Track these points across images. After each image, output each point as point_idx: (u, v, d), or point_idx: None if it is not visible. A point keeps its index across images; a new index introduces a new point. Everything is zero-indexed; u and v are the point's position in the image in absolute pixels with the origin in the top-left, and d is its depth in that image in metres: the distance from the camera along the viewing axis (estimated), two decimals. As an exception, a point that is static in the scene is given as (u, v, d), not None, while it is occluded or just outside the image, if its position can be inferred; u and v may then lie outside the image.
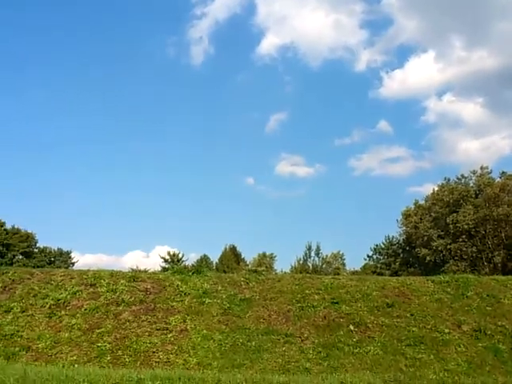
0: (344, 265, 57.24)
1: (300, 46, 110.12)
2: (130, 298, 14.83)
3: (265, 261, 55.32)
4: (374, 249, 56.38)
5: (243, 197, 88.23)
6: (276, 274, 25.79)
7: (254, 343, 13.07)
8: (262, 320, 14.22)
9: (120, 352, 12.76)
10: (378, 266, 53.96)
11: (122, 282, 15.57)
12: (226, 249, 56.74)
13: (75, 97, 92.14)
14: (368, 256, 56.65)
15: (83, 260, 59.53)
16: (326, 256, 56.70)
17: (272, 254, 57.84)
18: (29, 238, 53.80)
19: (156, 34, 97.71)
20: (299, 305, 14.89)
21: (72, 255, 57.61)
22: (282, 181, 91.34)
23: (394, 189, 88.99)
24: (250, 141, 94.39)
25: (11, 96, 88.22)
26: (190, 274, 16.76)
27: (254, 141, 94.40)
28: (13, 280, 15.64)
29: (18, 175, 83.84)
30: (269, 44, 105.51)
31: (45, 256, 54.55)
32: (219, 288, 15.65)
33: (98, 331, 13.48)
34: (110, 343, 13.03)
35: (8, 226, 52.50)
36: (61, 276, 16.01)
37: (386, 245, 55.39)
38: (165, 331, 13.59)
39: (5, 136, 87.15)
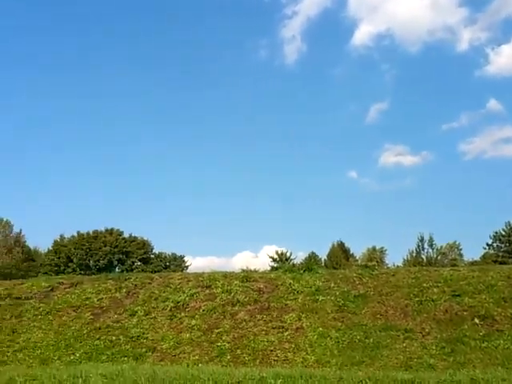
0: (461, 255, 54.58)
1: (396, 33, 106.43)
2: (245, 297, 15.08)
3: (375, 255, 54.12)
4: (494, 236, 53.19)
5: (346, 191, 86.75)
6: (388, 268, 25.05)
7: (371, 340, 12.76)
8: (378, 316, 13.84)
9: (239, 351, 13.00)
10: (500, 254, 50.81)
11: (235, 282, 15.89)
12: (333, 245, 56.24)
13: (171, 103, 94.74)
14: (487, 244, 53.61)
15: (195, 263, 61.76)
16: (441, 247, 54.35)
17: (382, 247, 56.47)
18: (145, 245, 56.85)
19: (247, 38, 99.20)
20: (417, 299, 14.32)
21: (185, 259, 60.03)
22: (387, 172, 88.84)
23: (510, 171, 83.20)
24: (350, 134, 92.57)
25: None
26: (301, 271, 16.73)
27: (355, 134, 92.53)
28: (135, 285, 16.52)
29: (132, 186, 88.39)
30: (363, 34, 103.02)
31: (160, 261, 57.30)
32: (332, 285, 15.47)
33: (216, 331, 13.85)
34: (228, 342, 13.33)
35: (126, 235, 55.90)
36: (178, 279, 16.67)
37: (507, 231, 52.01)
38: (281, 329, 13.66)
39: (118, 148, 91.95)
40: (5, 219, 59.61)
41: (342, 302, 14.53)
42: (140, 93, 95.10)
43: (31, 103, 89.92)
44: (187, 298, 15.33)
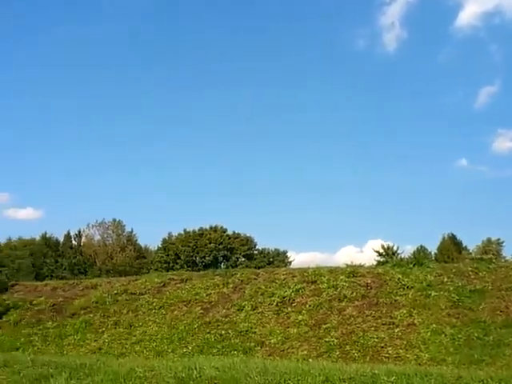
0: None
1: (506, 10, 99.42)
2: (352, 293, 14.81)
3: (490, 247, 50.90)
4: None
5: (456, 180, 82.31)
6: (507, 261, 23.49)
7: (492, 337, 12.01)
8: (498, 312, 13.00)
9: (348, 347, 12.79)
10: None
11: (341, 277, 15.65)
12: (444, 238, 53.68)
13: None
14: None
15: (298, 258, 61.77)
16: None
17: (498, 239, 53.02)
18: (248, 242, 57.82)
19: (344, 29, 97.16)
20: (541, 294, 13.30)
21: (288, 254, 60.30)
22: (501, 158, 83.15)
23: None
24: (459, 120, 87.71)
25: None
26: (411, 266, 16.14)
27: (464, 120, 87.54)
28: (241, 281, 16.80)
29: (235, 184, 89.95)
30: (468, 15, 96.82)
31: (264, 257, 57.97)
32: (445, 279, 14.76)
33: (324, 327, 13.72)
34: (337, 338, 13.16)
35: (230, 232, 57.23)
36: (283, 275, 16.73)
37: None
38: (391, 326, 13.25)
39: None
40: (117, 219, 63.37)
41: (457, 297, 13.81)
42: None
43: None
44: (293, 294, 15.33)
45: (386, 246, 51.37)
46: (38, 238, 63.32)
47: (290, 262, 57.23)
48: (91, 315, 16.50)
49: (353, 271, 16.12)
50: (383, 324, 13.40)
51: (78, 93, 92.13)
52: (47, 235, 63.08)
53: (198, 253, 54.65)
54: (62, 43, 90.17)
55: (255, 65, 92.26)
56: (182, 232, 57.28)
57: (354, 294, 14.78)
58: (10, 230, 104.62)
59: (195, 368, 8.80)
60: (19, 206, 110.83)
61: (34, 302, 17.96)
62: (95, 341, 15.29)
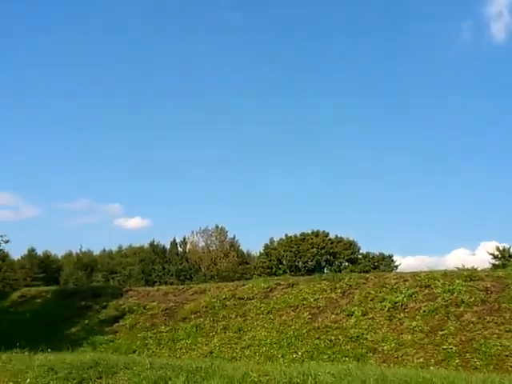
0: None
1: None
2: (470, 298, 13.93)
3: None
4: None
5: None
6: None
7: None
8: None
9: (468, 355, 12.04)
10: None
11: (457, 281, 14.78)
12: None
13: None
14: None
15: (405, 262, 59.61)
16: None
17: None
18: (352, 246, 56.80)
19: (446, 23, 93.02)
20: None
21: (394, 258, 58.43)
22: None
23: None
24: None
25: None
26: (535, 268, 14.91)
27: None
28: (349, 285, 16.39)
29: (336, 188, 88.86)
30: None
31: (368, 261, 56.59)
32: None
33: (440, 333, 13.02)
34: (455, 346, 12.43)
35: (332, 236, 56.52)
36: (394, 279, 16.11)
37: None
38: (516, 334, 12.28)
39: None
40: (220, 226, 64.87)
41: None
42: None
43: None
44: (405, 299, 14.72)
45: (501, 248, 48.23)
46: (146, 245, 66.42)
47: (397, 267, 55.46)
48: (201, 319, 16.87)
49: (470, 275, 15.16)
50: (507, 331, 12.46)
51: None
52: (155, 243, 66.00)
53: (300, 258, 54.49)
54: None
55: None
56: (284, 237, 57.45)
57: (473, 298, 13.88)
58: (121, 238, 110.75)
59: (310, 374, 8.61)
60: (129, 215, 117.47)
61: (148, 307, 18.71)
62: (206, 345, 15.59)
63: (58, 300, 21.75)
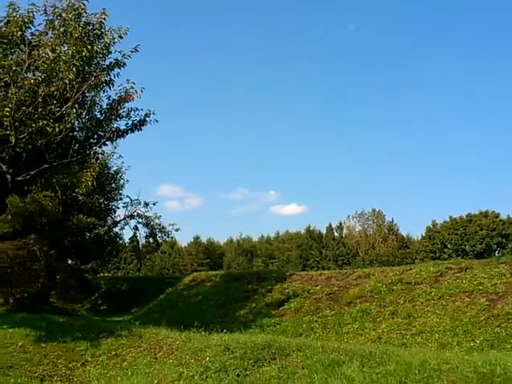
0: None
1: None
2: None
3: None
4: None
5: None
6: None
7: None
8: None
9: None
10: None
11: None
12: None
13: None
14: None
15: None
16: None
17: None
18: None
19: None
20: None
21: None
22: None
23: None
24: None
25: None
26: None
27: None
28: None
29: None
30: None
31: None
32: None
33: None
34: None
35: (503, 217, 52.12)
36: None
37: None
38: None
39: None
40: (377, 210, 63.50)
41: None
42: None
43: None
44: None
45: None
46: (302, 231, 67.39)
47: None
48: (367, 304, 16.48)
49: None
50: None
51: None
52: (311, 228, 66.66)
53: (467, 241, 51.12)
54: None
55: None
56: (448, 219, 54.36)
57: None
58: (278, 224, 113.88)
59: (498, 364, 7.86)
60: (285, 202, 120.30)
61: (311, 291, 18.77)
62: (373, 330, 15.20)
63: (226, 283, 22.80)
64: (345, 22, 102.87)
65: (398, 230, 62.86)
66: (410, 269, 17.88)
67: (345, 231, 66.30)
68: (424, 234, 56.16)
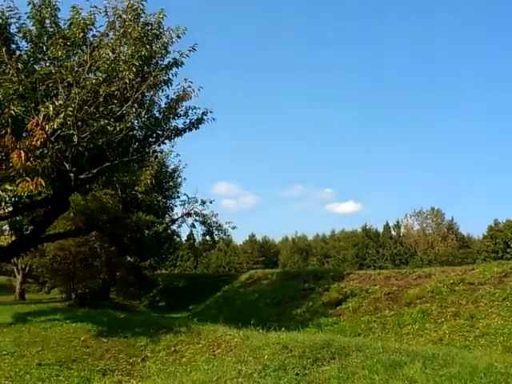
0: None
1: None
2: None
3: None
4: None
5: None
6: None
7: None
8: None
9: None
10: None
11: None
12: None
13: None
14: None
15: None
16: None
17: None
18: None
19: None
20: None
21: None
22: None
23: None
24: None
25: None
26: None
27: None
28: None
29: None
30: None
31: None
32: None
33: None
34: None
35: None
36: None
37: None
38: None
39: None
40: (436, 208, 61.82)
41: None
42: None
43: None
44: None
45: None
46: (358, 229, 66.50)
47: None
48: (428, 305, 16.03)
49: None
50: None
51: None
52: (367, 227, 65.68)
53: (532, 240, 49.15)
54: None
55: None
56: (511, 219, 52.35)
57: None
58: (333, 223, 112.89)
59: None
60: (341, 200, 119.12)
61: (370, 291, 18.44)
62: (435, 331, 14.75)
63: (282, 282, 22.74)
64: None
65: (457, 229, 61.06)
66: (473, 269, 17.26)
67: (402, 230, 64.94)
68: (486, 234, 54.27)
